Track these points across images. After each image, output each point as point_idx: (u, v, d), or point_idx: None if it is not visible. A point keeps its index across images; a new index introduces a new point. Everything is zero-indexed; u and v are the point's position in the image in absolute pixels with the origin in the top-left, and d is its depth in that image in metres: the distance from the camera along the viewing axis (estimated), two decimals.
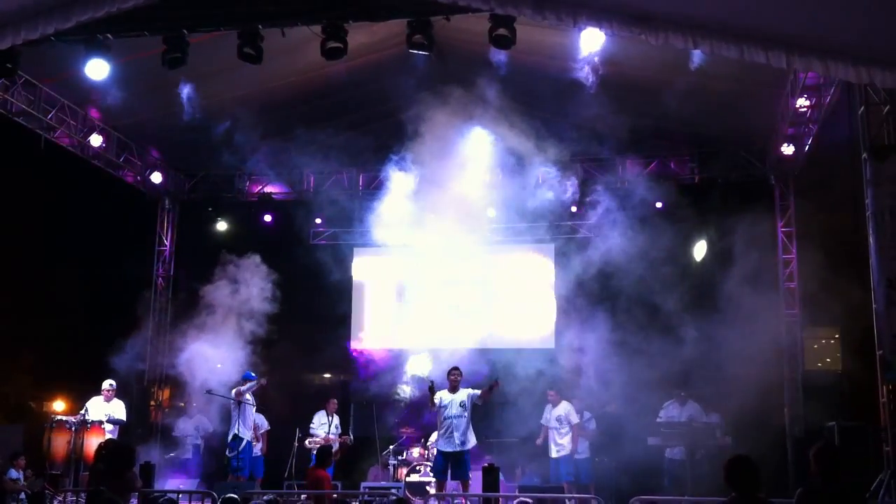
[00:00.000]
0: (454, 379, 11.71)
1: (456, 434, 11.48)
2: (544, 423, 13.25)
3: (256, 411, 13.19)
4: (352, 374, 15.30)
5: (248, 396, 12.74)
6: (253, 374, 12.85)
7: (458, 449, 11.45)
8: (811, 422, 12.86)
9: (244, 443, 12.54)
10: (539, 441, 13.24)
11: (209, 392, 13.46)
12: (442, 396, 11.63)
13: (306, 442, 13.83)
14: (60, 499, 9.67)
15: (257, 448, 13.37)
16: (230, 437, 12.66)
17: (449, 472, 11.46)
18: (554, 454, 13.03)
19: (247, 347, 13.69)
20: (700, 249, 14.15)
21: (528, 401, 13.80)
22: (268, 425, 13.71)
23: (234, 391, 12.63)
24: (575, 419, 12.95)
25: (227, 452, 12.67)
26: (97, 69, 10.60)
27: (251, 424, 12.82)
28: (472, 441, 11.60)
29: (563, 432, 12.97)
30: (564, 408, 13.06)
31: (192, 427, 14.51)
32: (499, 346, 15.43)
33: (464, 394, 11.68)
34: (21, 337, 15.07)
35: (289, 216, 15.61)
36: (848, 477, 5.91)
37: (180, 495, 9.90)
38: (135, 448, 8.45)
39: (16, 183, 14.42)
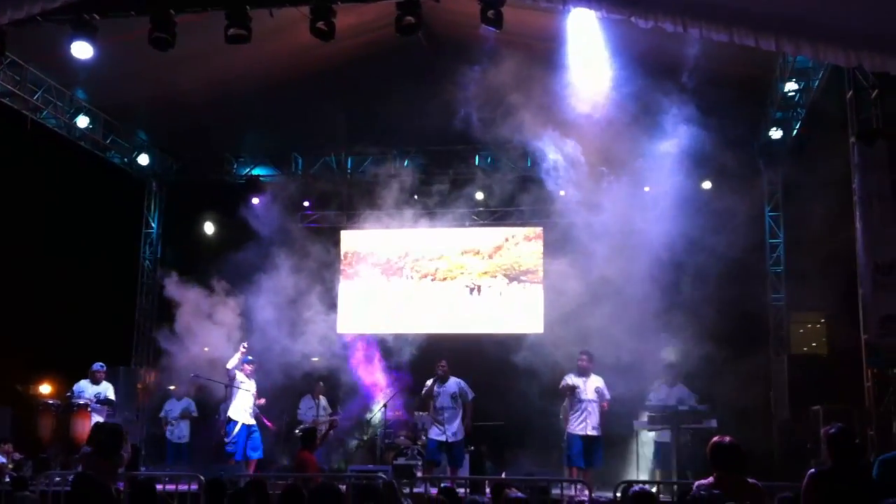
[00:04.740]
0: (443, 368, 11.90)
1: (447, 426, 11.71)
2: (577, 398, 11.59)
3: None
4: (340, 357, 15.26)
5: (242, 378, 12.52)
6: (250, 357, 12.74)
7: (449, 440, 11.76)
8: (796, 406, 12.93)
9: (238, 426, 12.43)
10: (579, 420, 11.55)
11: (195, 376, 13.45)
12: (435, 386, 11.80)
13: (296, 430, 13.79)
14: (46, 482, 9.62)
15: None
16: (226, 420, 12.58)
17: (443, 458, 11.69)
18: (589, 432, 11.48)
19: (234, 332, 13.66)
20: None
21: (516, 387, 13.82)
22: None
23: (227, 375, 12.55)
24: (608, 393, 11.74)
25: (224, 437, 12.60)
26: (82, 50, 10.53)
27: (246, 406, 12.52)
28: (462, 433, 11.92)
29: (597, 407, 11.62)
30: (600, 379, 11.71)
31: (178, 409, 14.48)
32: (487, 331, 15.48)
33: (453, 385, 11.88)
34: (6, 320, 14.98)
35: (277, 198, 15.54)
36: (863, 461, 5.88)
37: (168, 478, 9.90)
38: (123, 429, 8.45)
39: (1, 165, 14.31)
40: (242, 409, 12.48)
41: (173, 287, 14.21)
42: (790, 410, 13.11)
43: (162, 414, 14.68)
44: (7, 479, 10.96)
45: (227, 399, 13.05)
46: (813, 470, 5.63)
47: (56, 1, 8.80)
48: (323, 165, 16.49)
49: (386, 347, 15.17)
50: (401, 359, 14.83)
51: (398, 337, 15.25)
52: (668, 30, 8.08)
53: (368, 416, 14.09)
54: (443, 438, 11.78)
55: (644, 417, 12.07)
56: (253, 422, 12.62)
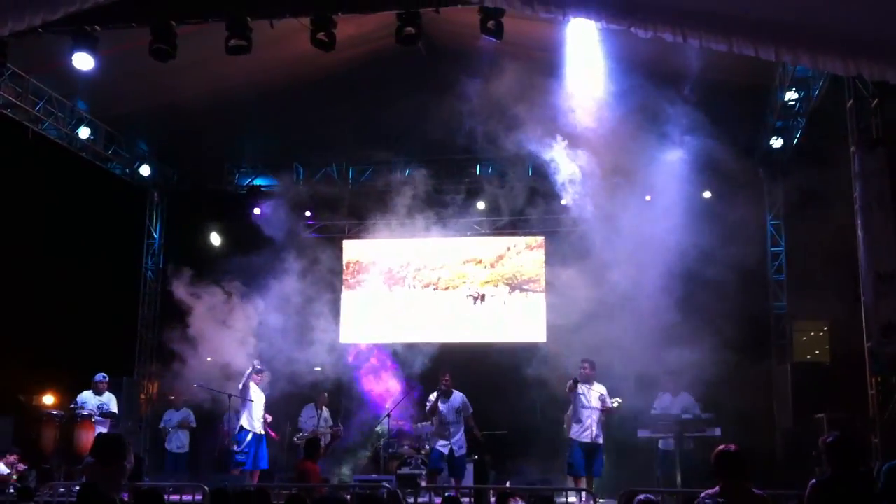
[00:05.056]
0: (446, 383, 11.94)
1: (453, 440, 11.74)
2: (581, 405, 11.50)
3: None
4: (343, 367, 15.29)
5: (253, 387, 12.52)
6: (258, 367, 12.74)
7: (456, 454, 11.85)
8: (800, 414, 12.91)
9: (250, 435, 12.41)
10: (583, 428, 11.48)
11: (198, 385, 13.46)
12: (440, 401, 11.83)
13: (294, 438, 13.85)
14: (50, 493, 9.62)
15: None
16: (237, 430, 12.59)
17: (445, 467, 11.74)
18: (591, 439, 11.39)
19: (237, 341, 13.66)
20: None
21: (518, 395, 13.83)
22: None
23: (240, 385, 12.57)
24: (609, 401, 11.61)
25: (234, 446, 12.61)
26: (83, 61, 10.56)
27: (258, 416, 12.55)
28: (465, 446, 12.04)
29: (600, 416, 11.47)
30: (602, 387, 11.59)
31: (176, 420, 14.49)
32: (489, 340, 15.47)
33: (457, 400, 11.93)
34: (9, 330, 14.99)
35: (278, 208, 15.54)
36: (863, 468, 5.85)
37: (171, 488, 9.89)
38: (127, 440, 8.44)
39: (3, 176, 14.33)
40: (254, 418, 12.48)
41: (181, 288, 14.21)
42: (793, 418, 13.09)
43: (161, 424, 14.70)
44: (11, 490, 10.96)
45: (229, 409, 13.08)
46: (814, 480, 5.63)
47: (57, 12, 8.79)
48: (324, 175, 16.50)
49: (389, 357, 15.17)
50: (402, 368, 14.83)
51: (400, 347, 15.24)
52: (668, 39, 8.06)
53: (379, 428, 14.05)
54: (447, 450, 11.82)
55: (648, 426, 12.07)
56: (262, 432, 12.62)
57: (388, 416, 13.31)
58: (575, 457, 11.40)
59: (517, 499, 8.08)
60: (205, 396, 13.80)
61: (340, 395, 15.02)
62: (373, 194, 15.97)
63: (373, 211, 15.83)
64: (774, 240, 14.87)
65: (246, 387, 12.44)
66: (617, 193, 13.59)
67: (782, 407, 13.67)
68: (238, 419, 12.65)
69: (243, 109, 13.60)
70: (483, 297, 15.92)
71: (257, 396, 12.57)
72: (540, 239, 15.97)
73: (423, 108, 12.14)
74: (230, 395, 12.71)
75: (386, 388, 14.91)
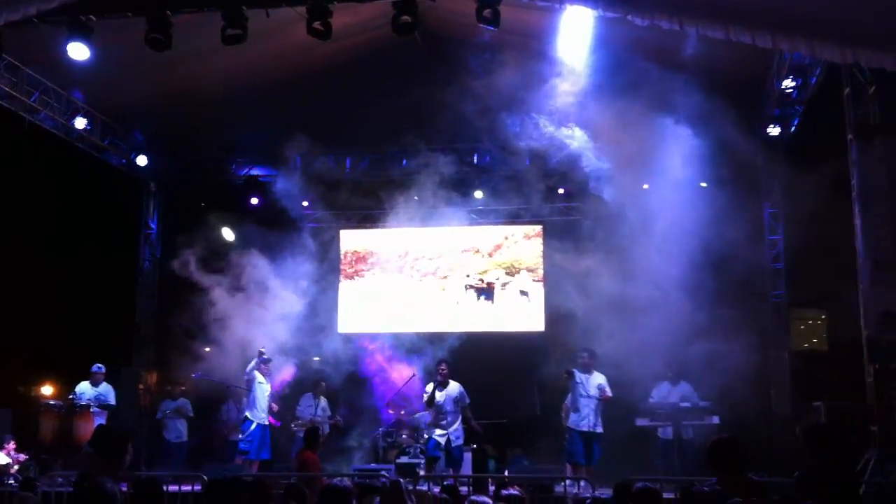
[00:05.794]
0: (443, 373, 11.96)
1: (450, 430, 11.79)
2: (580, 394, 11.71)
3: None
4: (341, 357, 15.29)
5: (259, 377, 12.51)
6: (265, 355, 12.66)
7: (453, 444, 11.92)
8: (798, 402, 12.93)
9: (254, 425, 12.41)
10: (581, 417, 11.67)
11: (196, 376, 13.47)
12: (437, 391, 11.85)
13: (292, 425, 13.88)
14: (49, 482, 9.64)
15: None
16: (242, 419, 12.61)
17: (442, 456, 11.85)
18: (590, 428, 11.59)
19: (235, 331, 13.65)
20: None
21: (517, 385, 13.83)
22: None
23: (245, 375, 12.57)
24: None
25: (239, 435, 12.63)
26: (79, 51, 10.54)
27: (263, 406, 12.53)
28: (463, 437, 12.07)
29: (598, 404, 11.66)
30: (602, 376, 11.77)
31: (172, 409, 14.51)
32: (488, 329, 15.47)
33: (455, 390, 11.92)
34: (8, 322, 15.00)
35: (276, 198, 15.50)
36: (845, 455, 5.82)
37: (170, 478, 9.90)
38: (126, 432, 8.46)
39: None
40: (259, 408, 12.48)
41: (179, 278, 14.20)
42: (791, 407, 13.12)
43: (158, 415, 14.72)
44: (11, 481, 10.97)
45: (228, 399, 13.07)
46: (800, 472, 5.61)
47: (52, 2, 8.78)
48: (322, 164, 16.44)
49: (386, 346, 15.17)
50: (402, 358, 14.83)
51: (398, 336, 15.24)
52: (665, 27, 8.07)
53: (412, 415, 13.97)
54: (443, 440, 11.87)
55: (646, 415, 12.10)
56: (268, 422, 12.62)
57: (388, 405, 13.34)
58: (574, 446, 11.53)
59: (514, 487, 8.09)
60: (206, 386, 13.82)
61: (342, 384, 14.99)
62: (370, 184, 15.95)
63: (370, 201, 15.80)
64: (772, 228, 14.85)
65: (250, 376, 12.44)
66: (614, 182, 13.58)
67: (780, 395, 13.70)
68: (239, 409, 12.65)
69: (240, 99, 13.56)
70: (492, 287, 15.88)
71: (262, 386, 12.56)
72: (538, 228, 15.97)
73: (421, 97, 12.14)
74: (228, 386, 12.70)
75: (386, 377, 14.92)
